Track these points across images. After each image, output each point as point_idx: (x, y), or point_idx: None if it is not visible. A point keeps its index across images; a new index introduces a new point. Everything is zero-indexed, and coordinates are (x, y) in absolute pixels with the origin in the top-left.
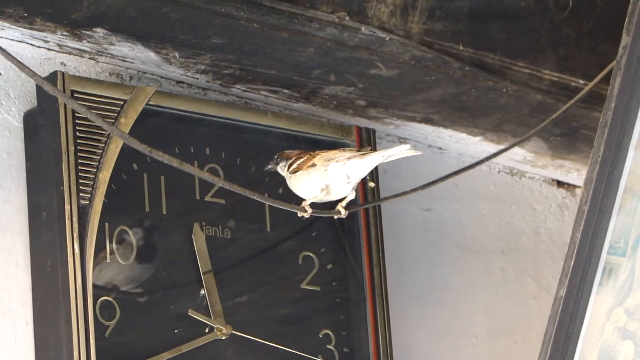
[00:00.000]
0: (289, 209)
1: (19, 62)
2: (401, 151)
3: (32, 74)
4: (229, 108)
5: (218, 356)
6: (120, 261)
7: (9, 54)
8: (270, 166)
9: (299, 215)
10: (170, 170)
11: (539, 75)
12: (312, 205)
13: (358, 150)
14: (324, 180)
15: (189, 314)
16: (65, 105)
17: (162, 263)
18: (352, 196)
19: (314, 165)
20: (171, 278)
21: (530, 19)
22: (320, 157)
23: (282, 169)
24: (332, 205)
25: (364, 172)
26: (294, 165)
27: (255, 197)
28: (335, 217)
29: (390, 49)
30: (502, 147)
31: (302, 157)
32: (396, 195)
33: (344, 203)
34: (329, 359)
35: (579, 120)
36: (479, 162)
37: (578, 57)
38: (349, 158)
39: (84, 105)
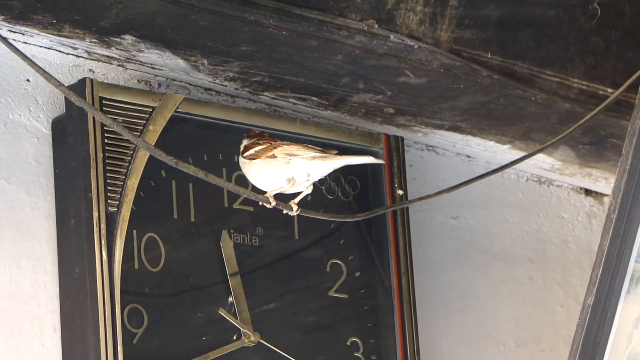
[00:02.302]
0: (252, 198)
1: (45, 72)
2: (364, 159)
3: (58, 84)
4: (258, 115)
5: None
6: (148, 268)
7: (36, 64)
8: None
9: (262, 204)
10: (199, 178)
11: (568, 83)
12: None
13: (321, 151)
14: (285, 173)
15: (219, 312)
16: None
17: (190, 270)
18: (308, 190)
19: (273, 156)
20: (199, 285)
21: (558, 28)
22: (282, 150)
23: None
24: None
25: (325, 173)
26: (251, 151)
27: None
28: (285, 212)
29: (419, 57)
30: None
31: (261, 144)
32: (420, 199)
33: (297, 200)
34: None
35: (607, 129)
36: (496, 170)
37: (606, 65)
38: (313, 158)
39: (113, 112)
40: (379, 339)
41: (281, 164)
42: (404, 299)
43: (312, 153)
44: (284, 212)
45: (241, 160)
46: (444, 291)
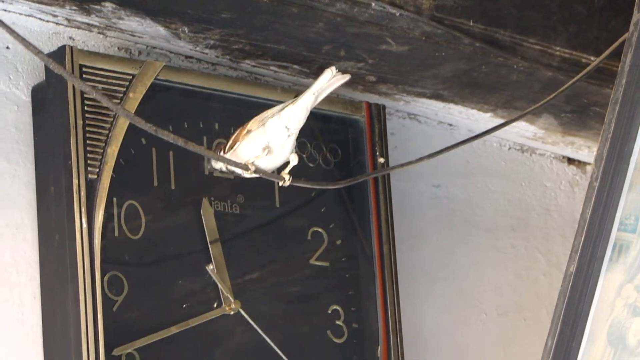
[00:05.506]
0: (232, 167)
1: (24, 39)
2: (328, 80)
3: (37, 51)
4: (238, 83)
5: (226, 331)
6: (128, 236)
7: (14, 31)
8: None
9: (241, 174)
10: (179, 146)
11: (550, 51)
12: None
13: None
14: (265, 139)
15: (206, 268)
16: None
17: (170, 238)
18: (294, 162)
19: (249, 131)
20: (180, 253)
21: None
22: (254, 121)
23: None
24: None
25: (301, 118)
26: (229, 142)
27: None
28: (280, 184)
29: (400, 25)
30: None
31: (233, 133)
32: (401, 165)
33: (287, 169)
34: (338, 334)
35: (590, 97)
36: (476, 136)
37: (589, 33)
38: (282, 109)
39: (92, 80)
40: (360, 307)
41: (259, 134)
42: (385, 267)
43: (279, 106)
44: (280, 184)
45: (227, 158)
46: (425, 260)
